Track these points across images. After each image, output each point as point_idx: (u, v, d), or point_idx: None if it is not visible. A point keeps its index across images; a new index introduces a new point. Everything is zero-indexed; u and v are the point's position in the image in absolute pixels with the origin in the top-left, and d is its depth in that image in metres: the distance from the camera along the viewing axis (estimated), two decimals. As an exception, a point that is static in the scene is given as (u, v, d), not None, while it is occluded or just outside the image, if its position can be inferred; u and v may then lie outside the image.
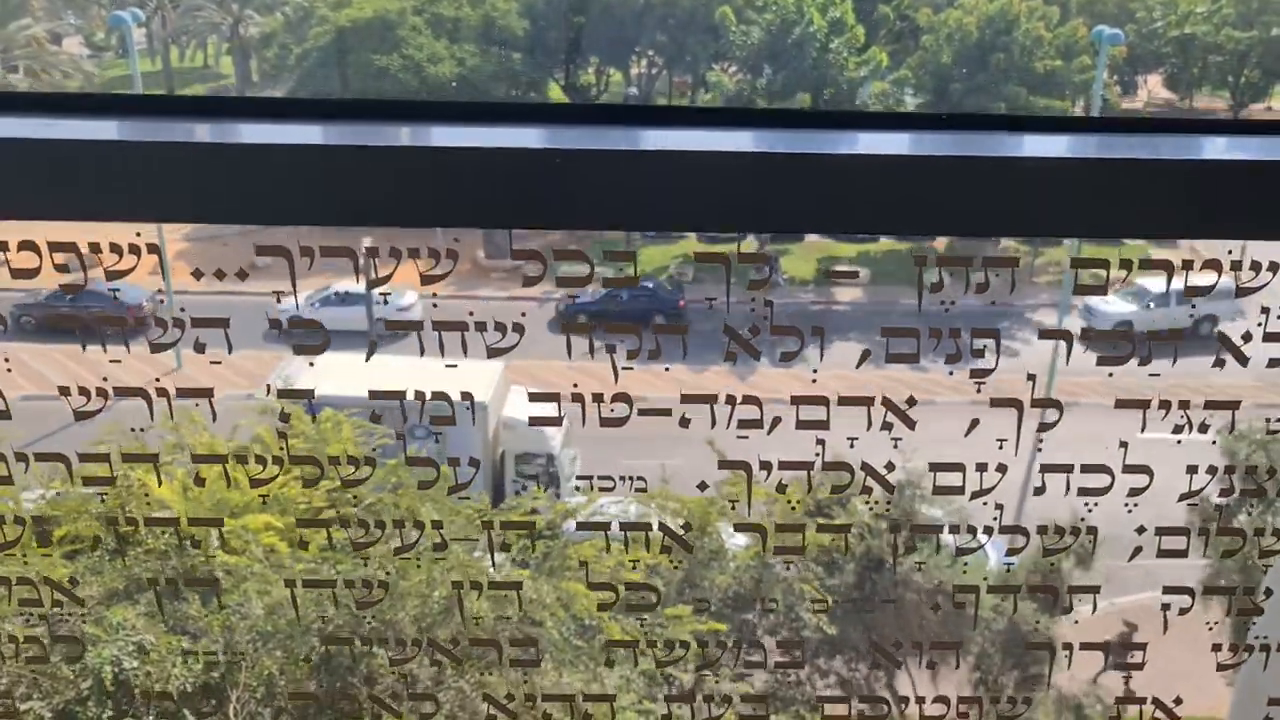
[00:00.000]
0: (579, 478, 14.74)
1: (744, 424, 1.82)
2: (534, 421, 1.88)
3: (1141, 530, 1.74)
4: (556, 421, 1.88)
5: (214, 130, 1.14)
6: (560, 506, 7.50)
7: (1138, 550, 1.86)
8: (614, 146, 1.08)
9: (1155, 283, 22.41)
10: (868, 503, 8.19)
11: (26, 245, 1.19)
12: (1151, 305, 20.78)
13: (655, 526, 3.76)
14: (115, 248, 1.20)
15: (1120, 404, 1.50)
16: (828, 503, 8.73)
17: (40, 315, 17.04)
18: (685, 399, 1.82)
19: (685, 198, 1.09)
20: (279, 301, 1.84)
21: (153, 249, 1.21)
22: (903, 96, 27.36)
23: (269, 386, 9.43)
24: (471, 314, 1.65)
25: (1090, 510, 1.87)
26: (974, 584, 8.71)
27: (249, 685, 3.90)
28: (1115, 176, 1.08)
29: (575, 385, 1.68)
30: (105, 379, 1.57)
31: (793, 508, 8.02)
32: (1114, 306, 21.21)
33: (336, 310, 17.94)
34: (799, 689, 8.58)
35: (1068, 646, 2.46)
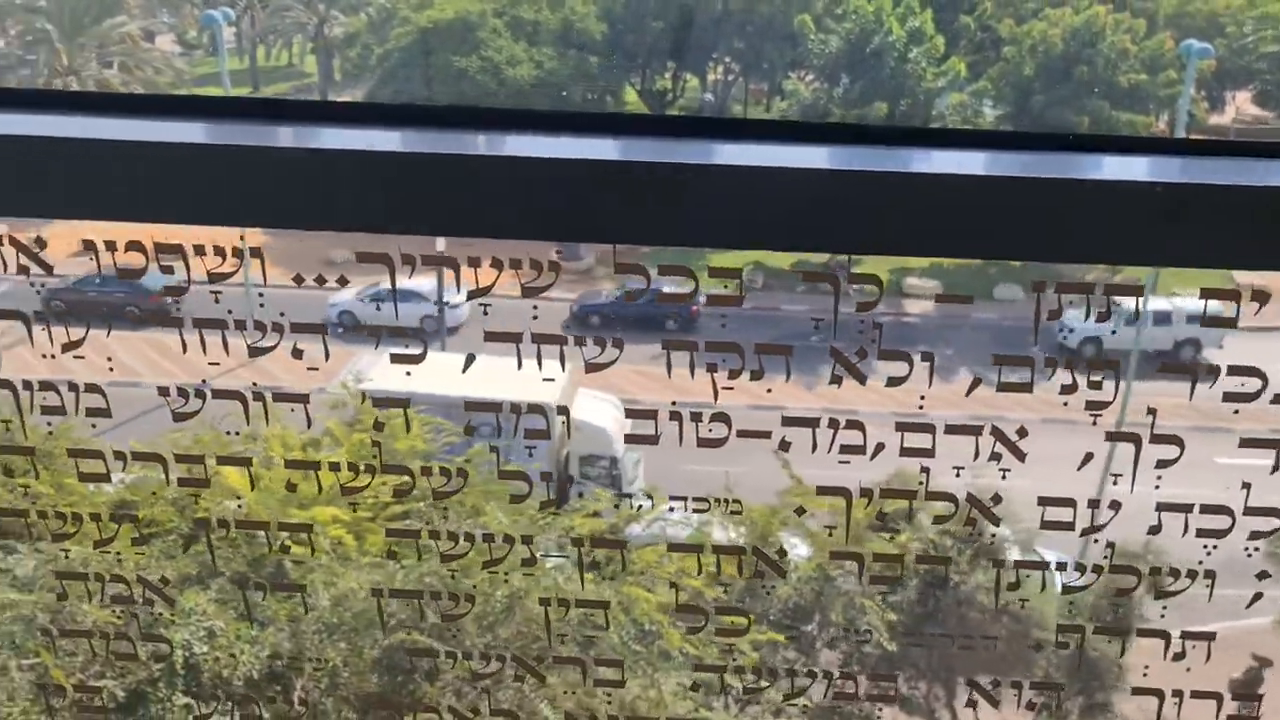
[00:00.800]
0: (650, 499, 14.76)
1: (845, 449, 1.81)
2: (624, 437, 1.89)
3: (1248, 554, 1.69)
4: (647, 432, 1.88)
5: (295, 134, 1.15)
6: (625, 512, 7.52)
7: (1257, 597, 1.82)
8: (687, 160, 1.07)
9: (1131, 303, 21.88)
10: (941, 524, 8.08)
11: (134, 245, 1.22)
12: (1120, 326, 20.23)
13: (749, 550, 3.75)
14: (218, 250, 1.23)
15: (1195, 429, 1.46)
16: (893, 517, 8.63)
17: (70, 300, 17.60)
18: (787, 421, 1.81)
19: (757, 214, 1.08)
20: (339, 286, 1.87)
21: (254, 252, 1.24)
22: (981, 108, 26.97)
23: (343, 382, 9.60)
24: (536, 317, 1.66)
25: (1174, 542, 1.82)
26: (1047, 610, 8.55)
27: (314, 675, 3.97)
28: (1198, 201, 1.06)
29: (673, 403, 1.68)
30: (204, 381, 1.62)
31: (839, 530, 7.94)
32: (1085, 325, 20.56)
33: (394, 305, 18.20)
34: (856, 704, 8.49)
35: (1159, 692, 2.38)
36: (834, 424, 1.63)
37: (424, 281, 20.74)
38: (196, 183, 1.07)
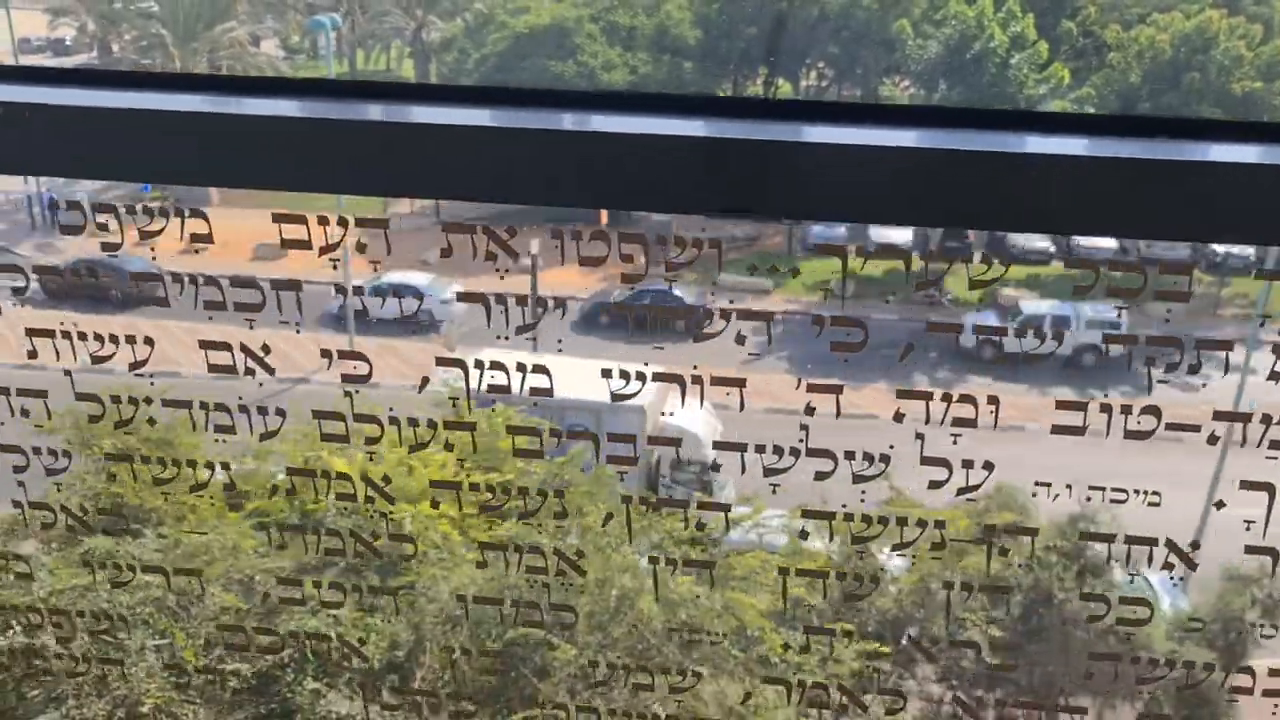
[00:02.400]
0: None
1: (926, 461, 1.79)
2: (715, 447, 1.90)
3: None
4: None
5: (388, 111, 1.20)
6: (730, 517, 7.50)
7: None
8: (776, 138, 1.09)
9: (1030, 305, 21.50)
10: (1052, 544, 7.93)
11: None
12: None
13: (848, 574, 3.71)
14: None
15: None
16: (999, 531, 8.46)
17: (66, 281, 18.17)
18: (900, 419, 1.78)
19: (850, 190, 1.09)
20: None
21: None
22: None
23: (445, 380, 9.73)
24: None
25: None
26: (1143, 624, 8.31)
27: (432, 666, 4.05)
28: None
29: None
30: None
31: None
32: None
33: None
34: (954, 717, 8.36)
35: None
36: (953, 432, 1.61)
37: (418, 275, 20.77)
38: (308, 153, 1.13)
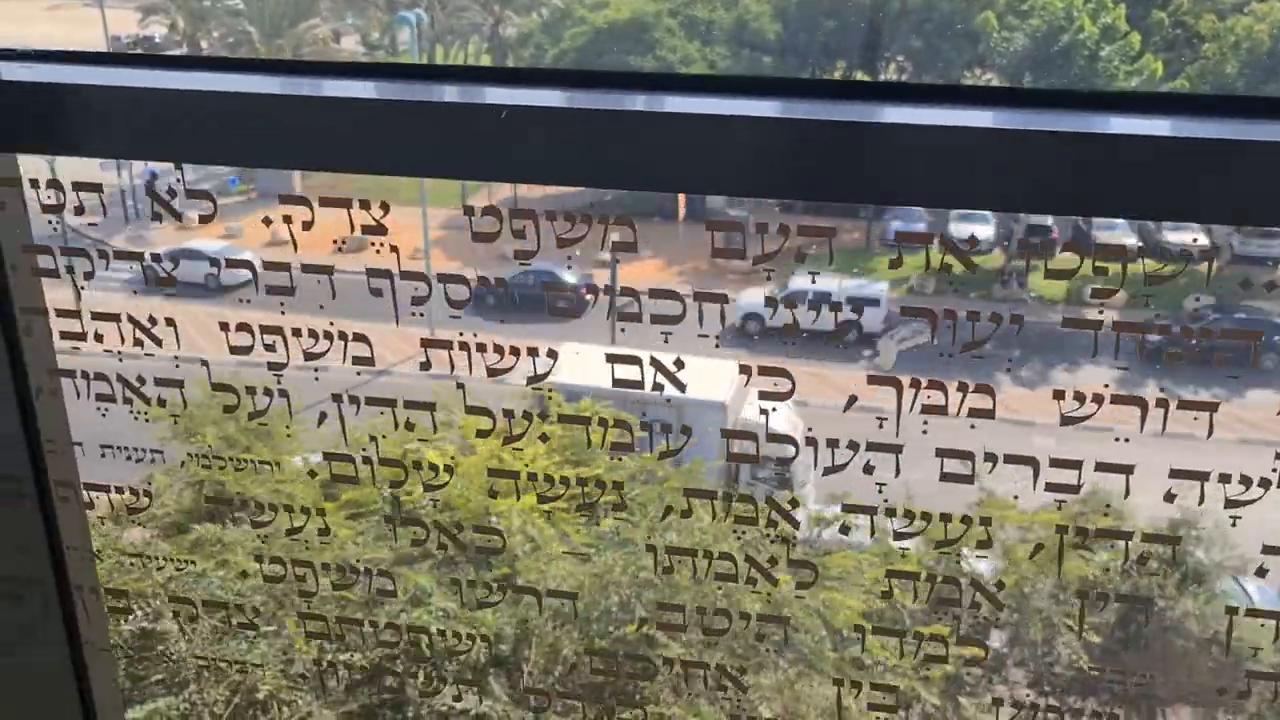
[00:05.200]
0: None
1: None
2: (773, 438, 1.88)
3: None
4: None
5: (461, 92, 1.18)
6: (817, 515, 7.44)
7: None
8: (852, 119, 1.05)
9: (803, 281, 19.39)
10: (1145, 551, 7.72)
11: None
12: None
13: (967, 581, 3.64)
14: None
15: None
16: (1093, 537, 8.26)
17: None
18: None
19: (927, 173, 1.05)
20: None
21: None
22: (1176, 109, 25.58)
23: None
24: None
25: None
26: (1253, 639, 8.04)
27: (537, 661, 4.07)
28: None
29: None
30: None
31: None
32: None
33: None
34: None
35: None
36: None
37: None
38: (370, 136, 1.11)
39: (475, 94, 1.20)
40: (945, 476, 1.99)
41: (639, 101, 1.15)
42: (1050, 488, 1.90)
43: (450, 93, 1.19)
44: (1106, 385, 1.54)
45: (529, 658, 4.03)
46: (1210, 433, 1.67)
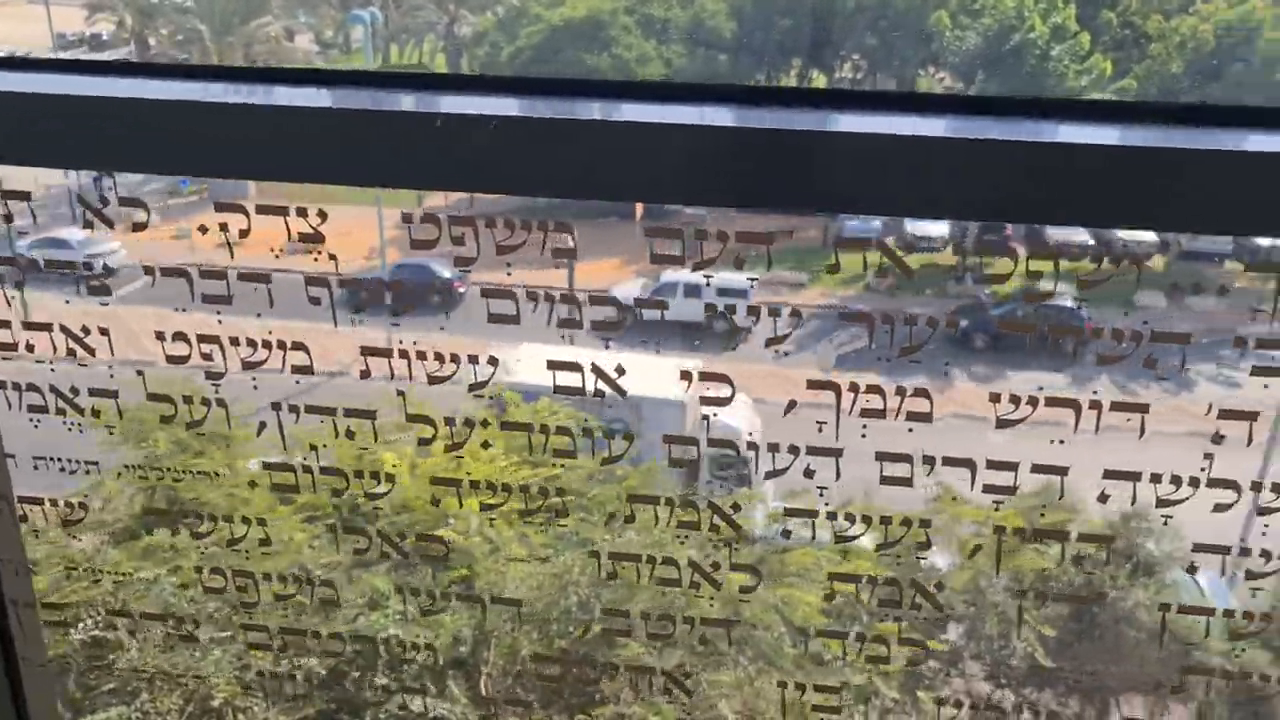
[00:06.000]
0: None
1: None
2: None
3: None
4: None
5: (417, 101, 1.18)
6: (774, 514, 7.47)
7: None
8: (804, 128, 1.06)
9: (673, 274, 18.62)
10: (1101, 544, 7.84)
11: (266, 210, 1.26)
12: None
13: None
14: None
15: None
16: (1044, 529, 8.39)
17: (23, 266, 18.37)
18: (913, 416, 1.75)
19: (878, 181, 1.06)
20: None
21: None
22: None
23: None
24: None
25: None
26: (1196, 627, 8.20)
27: (495, 663, 4.05)
28: None
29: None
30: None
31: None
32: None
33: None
34: (1002, 716, 8.29)
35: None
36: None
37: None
38: (328, 144, 1.10)
39: (429, 102, 1.19)
40: (885, 480, 2.01)
41: (595, 109, 1.14)
42: (988, 489, 1.92)
43: (398, 101, 1.17)
44: (1040, 388, 1.56)
45: (488, 659, 4.02)
46: (1143, 432, 1.70)
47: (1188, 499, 1.76)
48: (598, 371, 1.70)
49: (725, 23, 29.40)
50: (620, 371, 1.69)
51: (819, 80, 34.06)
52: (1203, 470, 1.63)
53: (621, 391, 1.70)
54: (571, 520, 5.46)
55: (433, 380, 1.68)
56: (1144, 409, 1.61)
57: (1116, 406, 1.76)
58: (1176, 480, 1.92)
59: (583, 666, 4.09)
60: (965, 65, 26.24)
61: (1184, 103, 1.07)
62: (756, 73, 32.32)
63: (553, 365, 1.71)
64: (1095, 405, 1.56)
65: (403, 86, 1.16)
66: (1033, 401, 1.54)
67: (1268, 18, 24.18)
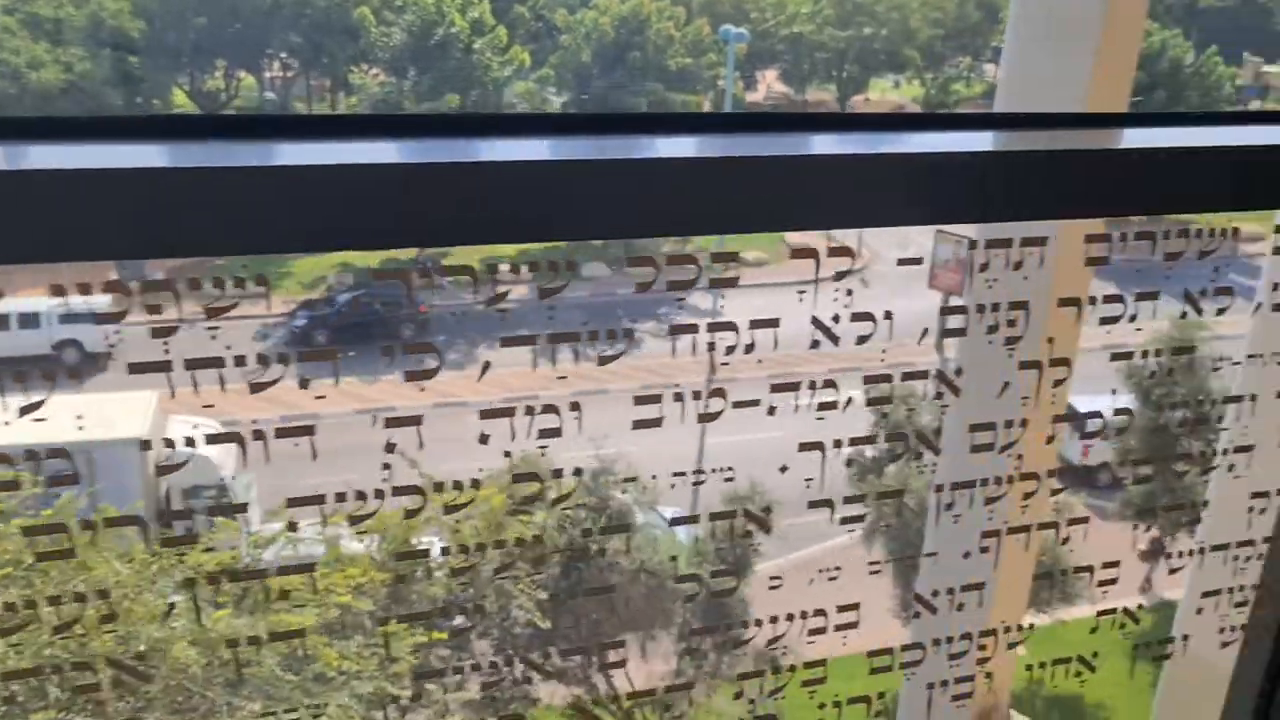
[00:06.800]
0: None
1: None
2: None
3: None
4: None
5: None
6: (255, 538, 7.02)
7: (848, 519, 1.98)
8: (243, 163, 1.02)
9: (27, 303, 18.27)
10: (567, 499, 8.34)
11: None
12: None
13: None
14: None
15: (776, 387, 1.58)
16: (523, 500, 8.77)
17: None
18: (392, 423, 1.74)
19: (329, 213, 1.05)
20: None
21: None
22: (547, 95, 27.94)
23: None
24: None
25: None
26: (669, 563, 9.12)
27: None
28: (746, 172, 1.15)
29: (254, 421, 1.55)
30: None
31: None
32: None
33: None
34: (518, 687, 8.60)
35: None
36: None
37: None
38: None
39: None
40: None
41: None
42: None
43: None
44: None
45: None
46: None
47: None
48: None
49: (131, 22, 27.00)
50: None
51: (248, 81, 32.59)
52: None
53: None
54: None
55: None
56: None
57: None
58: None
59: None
60: (396, 61, 26.53)
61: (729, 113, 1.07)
62: (178, 75, 30.14)
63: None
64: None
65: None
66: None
67: (653, 11, 27.23)
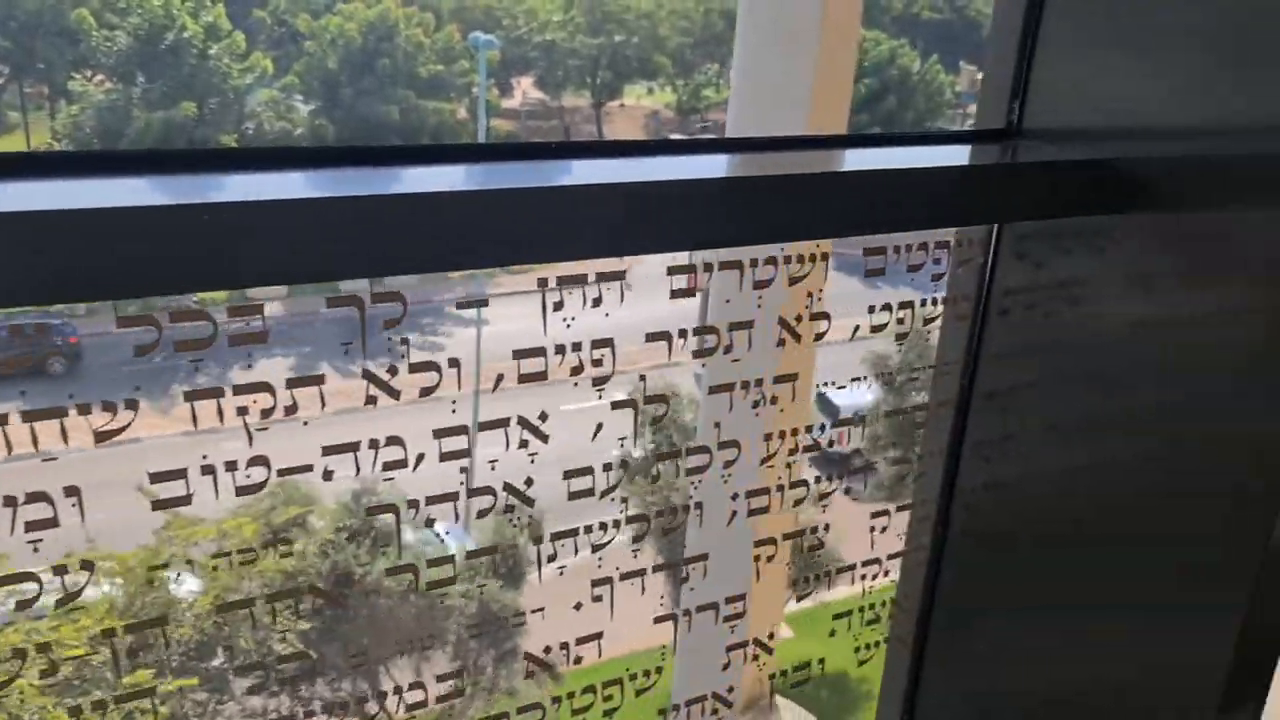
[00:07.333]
0: None
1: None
2: None
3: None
4: None
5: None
6: (-32, 594, 6.35)
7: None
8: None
9: None
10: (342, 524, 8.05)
11: None
12: None
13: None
14: None
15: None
16: (284, 526, 8.42)
17: None
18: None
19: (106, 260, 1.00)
20: None
21: None
22: (293, 103, 26.89)
23: None
24: None
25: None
26: (443, 576, 8.92)
27: None
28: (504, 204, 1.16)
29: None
30: None
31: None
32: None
33: None
34: (284, 724, 8.20)
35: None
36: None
37: None
38: None
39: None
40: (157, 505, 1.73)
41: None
42: (241, 491, 1.77)
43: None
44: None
45: None
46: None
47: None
48: None
49: None
50: None
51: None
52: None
53: None
54: None
55: None
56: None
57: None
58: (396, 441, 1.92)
59: None
60: (123, 67, 24.79)
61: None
62: None
63: None
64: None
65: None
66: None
67: (401, 17, 26.69)
